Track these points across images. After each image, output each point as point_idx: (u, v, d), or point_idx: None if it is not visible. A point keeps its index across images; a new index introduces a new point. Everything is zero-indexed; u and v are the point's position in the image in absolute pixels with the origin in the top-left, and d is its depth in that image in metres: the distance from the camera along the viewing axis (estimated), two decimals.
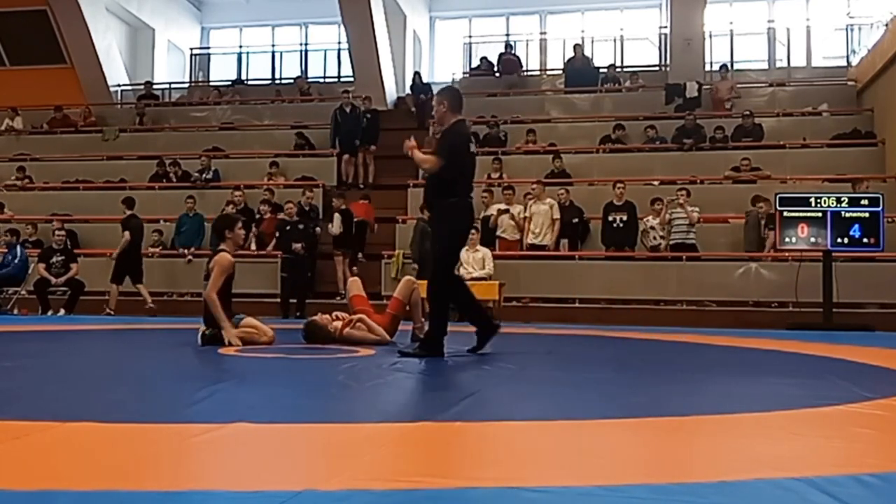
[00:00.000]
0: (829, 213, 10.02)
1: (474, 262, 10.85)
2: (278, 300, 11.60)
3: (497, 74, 17.94)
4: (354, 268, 11.98)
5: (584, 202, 12.29)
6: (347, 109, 14.70)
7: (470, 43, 20.36)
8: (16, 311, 11.63)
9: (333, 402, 3.52)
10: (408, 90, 17.25)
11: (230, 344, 5.80)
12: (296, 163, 15.13)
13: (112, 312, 11.30)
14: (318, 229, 12.14)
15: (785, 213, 10.20)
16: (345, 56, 19.28)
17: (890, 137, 12.97)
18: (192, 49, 21.71)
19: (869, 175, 12.15)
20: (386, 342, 6.21)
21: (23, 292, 11.95)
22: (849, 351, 6.23)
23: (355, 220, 12.37)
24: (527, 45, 19.88)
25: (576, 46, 17.54)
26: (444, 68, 20.12)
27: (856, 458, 2.43)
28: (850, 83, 15.52)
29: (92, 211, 13.97)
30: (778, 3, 19.09)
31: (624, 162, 13.87)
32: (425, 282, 5.67)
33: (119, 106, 18.64)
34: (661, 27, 19.01)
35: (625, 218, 11.50)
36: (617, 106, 15.86)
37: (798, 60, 18.08)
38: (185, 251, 12.52)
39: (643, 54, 19.18)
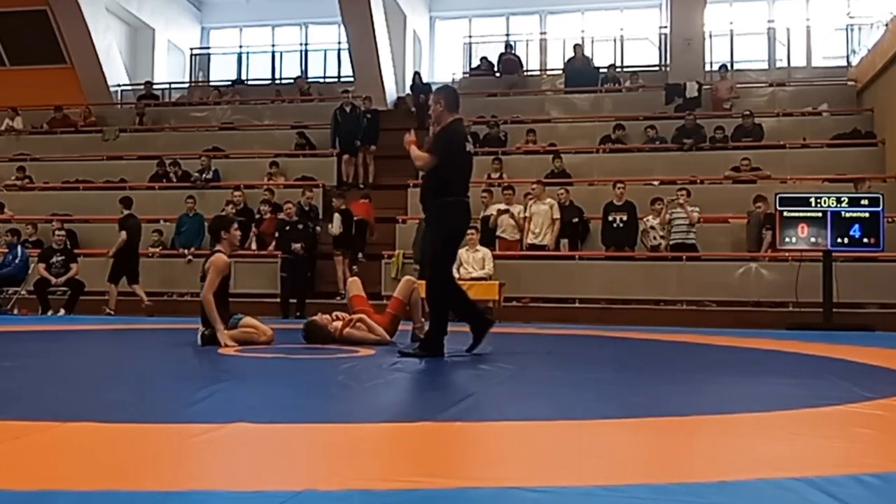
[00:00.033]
0: (829, 213, 10.02)
1: (474, 262, 10.85)
2: (278, 300, 11.60)
3: (497, 74, 17.94)
4: (355, 267, 11.98)
5: (584, 202, 12.29)
6: (347, 109, 14.70)
7: (470, 43, 20.36)
8: (16, 311, 11.63)
9: (333, 402, 3.52)
10: (408, 90, 17.25)
11: (225, 346, 5.81)
12: (296, 163, 15.13)
13: (112, 312, 11.30)
14: (318, 228, 12.14)
15: (785, 213, 10.20)
16: (345, 56, 19.29)
17: (890, 137, 12.97)
18: (192, 49, 21.71)
19: (869, 175, 12.14)
20: (386, 342, 6.21)
21: (23, 292, 11.95)
22: (849, 351, 6.23)
23: (355, 219, 12.37)
24: (527, 45, 19.88)
25: (576, 46, 17.54)
26: (444, 68, 20.12)
27: (856, 458, 2.43)
28: (850, 83, 15.52)
29: (92, 211, 13.97)
30: (778, 3, 19.09)
31: (624, 162, 13.87)
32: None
33: (119, 106, 18.64)
34: (661, 27, 19.01)
35: (625, 218, 11.50)
36: (617, 106, 15.86)
37: (798, 60, 18.09)
38: (185, 251, 12.53)
39: (643, 54, 19.18)
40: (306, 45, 21.58)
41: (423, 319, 6.34)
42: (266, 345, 6.09)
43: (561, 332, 8.52)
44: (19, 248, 12.14)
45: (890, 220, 10.79)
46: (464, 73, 19.15)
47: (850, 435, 2.82)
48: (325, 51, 21.26)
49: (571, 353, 6.40)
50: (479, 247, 11.00)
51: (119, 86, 18.93)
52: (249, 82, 20.34)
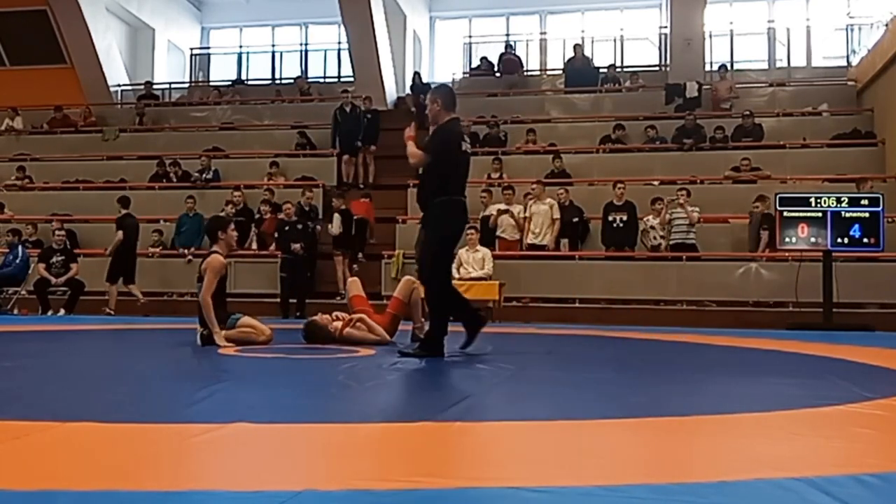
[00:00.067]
0: (829, 213, 10.02)
1: (474, 262, 10.86)
2: (278, 300, 11.60)
3: (498, 74, 17.94)
4: (355, 266, 11.99)
5: (584, 202, 12.30)
6: (347, 109, 14.71)
7: (470, 43, 20.36)
8: (16, 311, 11.63)
9: (333, 402, 3.52)
10: (408, 90, 17.25)
11: (223, 347, 5.81)
12: (296, 163, 15.13)
13: (112, 312, 11.30)
14: (318, 227, 12.15)
15: (785, 213, 10.19)
16: (345, 56, 19.29)
17: (890, 137, 12.97)
18: (192, 49, 21.71)
19: (869, 175, 12.14)
20: (386, 342, 6.21)
21: (23, 292, 11.96)
22: (849, 351, 6.23)
23: (355, 218, 12.35)
24: (527, 45, 19.88)
25: (576, 46, 17.54)
26: (444, 68, 20.12)
27: (856, 458, 2.43)
28: (850, 83, 15.52)
29: (92, 211, 13.97)
30: (778, 3, 19.09)
31: (624, 162, 13.87)
32: None
33: (119, 106, 18.64)
34: (661, 27, 19.01)
35: (625, 218, 11.50)
36: (617, 106, 15.86)
37: (798, 60, 18.09)
38: (185, 251, 12.53)
39: (643, 54, 19.18)
40: (306, 45, 21.58)
41: (423, 319, 6.34)
42: (264, 344, 6.09)
43: (561, 332, 8.52)
44: (20, 248, 12.14)
45: (890, 220, 10.79)
46: (464, 73, 19.15)
47: (850, 435, 2.82)
48: (325, 51, 21.26)
49: (571, 353, 6.40)
50: (479, 247, 11.01)
51: (119, 86, 18.93)
52: (249, 82, 20.34)
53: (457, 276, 10.55)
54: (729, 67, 16.82)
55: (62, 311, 11.31)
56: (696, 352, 6.51)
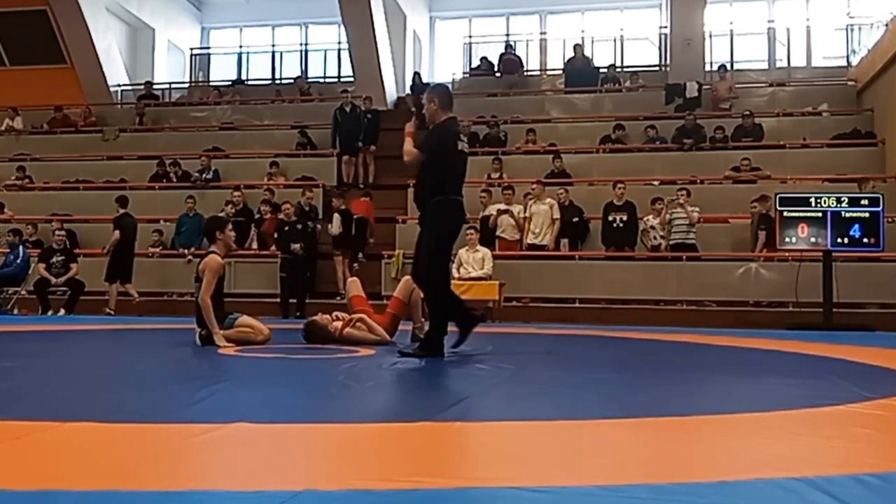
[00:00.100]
0: (829, 213, 10.02)
1: (474, 262, 10.86)
2: (278, 300, 11.60)
3: (498, 74, 17.94)
4: (355, 265, 11.99)
5: (584, 202, 12.30)
6: (347, 109, 14.71)
7: (470, 43, 20.36)
8: (16, 311, 11.64)
9: (333, 402, 3.52)
10: (408, 90, 17.25)
11: (223, 347, 5.81)
12: (296, 163, 15.13)
13: (112, 312, 11.30)
14: (318, 227, 12.15)
15: (785, 213, 10.19)
16: (345, 56, 19.29)
17: (890, 137, 12.98)
18: (192, 49, 21.71)
19: (869, 175, 12.14)
20: (386, 342, 6.20)
21: (23, 292, 11.96)
22: (849, 351, 6.23)
23: (355, 217, 12.34)
24: (527, 45, 19.87)
25: (576, 46, 17.54)
26: (444, 68, 20.11)
27: (856, 458, 2.43)
28: (850, 83, 15.52)
29: (92, 211, 13.97)
30: (778, 3, 19.09)
31: (624, 162, 13.87)
32: None
33: (119, 106, 18.64)
34: (661, 27, 19.01)
35: (625, 218, 11.50)
36: (617, 106, 15.86)
37: (798, 60, 18.09)
38: (185, 251, 12.53)
39: (643, 54, 19.18)
40: (306, 45, 21.57)
41: (423, 319, 6.34)
42: (263, 344, 6.10)
43: (561, 332, 8.51)
44: (21, 248, 12.15)
45: (890, 220, 10.79)
46: (464, 73, 19.15)
47: (850, 435, 2.82)
48: (325, 51, 21.26)
49: (571, 353, 6.40)
50: (479, 247, 11.01)
51: (119, 86, 18.93)
52: (249, 82, 20.34)
53: (457, 275, 10.56)
54: (728, 67, 16.82)
55: (62, 311, 11.31)
56: (696, 352, 6.51)
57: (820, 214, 10.05)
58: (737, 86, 15.81)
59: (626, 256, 11.58)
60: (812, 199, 10.19)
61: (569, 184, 12.78)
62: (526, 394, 3.91)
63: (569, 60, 17.56)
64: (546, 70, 19.21)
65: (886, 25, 13.55)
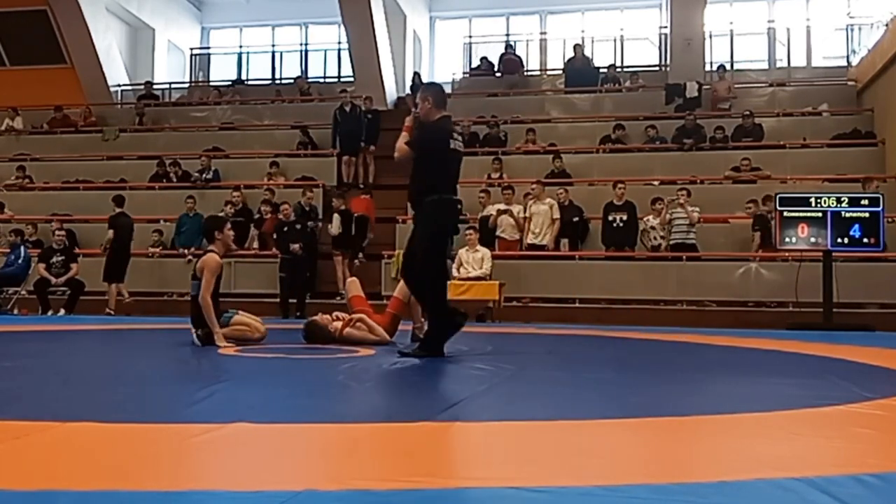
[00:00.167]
0: (829, 213, 10.02)
1: (474, 261, 10.86)
2: (278, 300, 11.60)
3: (498, 74, 17.94)
4: (356, 261, 11.98)
5: (584, 202, 12.29)
6: (347, 109, 14.71)
7: (470, 43, 20.34)
8: (16, 311, 11.64)
9: (333, 402, 3.52)
10: (408, 90, 17.24)
11: (223, 347, 5.81)
12: (296, 163, 15.14)
13: (112, 312, 11.31)
14: (318, 225, 12.14)
15: (785, 213, 10.19)
16: (345, 56, 19.28)
17: (890, 137, 12.97)
18: (192, 49, 21.70)
19: (869, 175, 12.14)
20: (386, 342, 6.20)
21: (23, 292, 11.96)
22: (849, 351, 6.23)
23: (355, 215, 12.32)
24: (527, 45, 19.86)
25: (576, 46, 17.53)
26: (444, 68, 20.10)
27: (856, 458, 2.43)
28: (850, 83, 15.52)
29: (92, 211, 13.96)
30: (778, 3, 19.09)
31: (624, 162, 13.87)
32: None
33: (119, 106, 18.64)
34: (661, 27, 19.00)
35: (625, 218, 11.50)
36: (617, 106, 15.86)
37: (798, 60, 18.08)
38: (185, 251, 12.53)
39: (643, 54, 19.17)
40: (306, 45, 21.57)
41: (422, 319, 6.33)
42: (259, 341, 6.11)
43: (561, 332, 8.52)
44: (22, 248, 12.15)
45: (890, 220, 10.79)
46: (464, 73, 19.14)
47: (850, 435, 2.82)
48: (325, 51, 21.25)
49: (571, 353, 6.40)
50: (478, 247, 11.01)
51: (119, 86, 18.93)
52: (249, 82, 20.33)
53: (456, 275, 10.56)
54: (727, 67, 16.81)
55: (62, 311, 11.31)
56: (696, 352, 6.51)
57: (820, 214, 10.04)
58: (737, 86, 15.81)
59: (626, 256, 11.58)
60: (812, 199, 10.19)
61: (569, 184, 12.78)
62: (526, 394, 3.91)
63: (569, 60, 17.56)
64: (546, 70, 19.20)
65: (886, 25, 13.55)
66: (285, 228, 11.76)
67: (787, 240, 10.20)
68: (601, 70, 17.21)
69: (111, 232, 11.57)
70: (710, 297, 11.19)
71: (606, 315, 10.87)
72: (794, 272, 10.29)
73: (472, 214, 12.16)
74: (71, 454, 2.32)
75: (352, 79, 17.60)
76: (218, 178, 14.52)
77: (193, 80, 21.30)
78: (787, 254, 10.64)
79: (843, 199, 10.13)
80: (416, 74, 17.26)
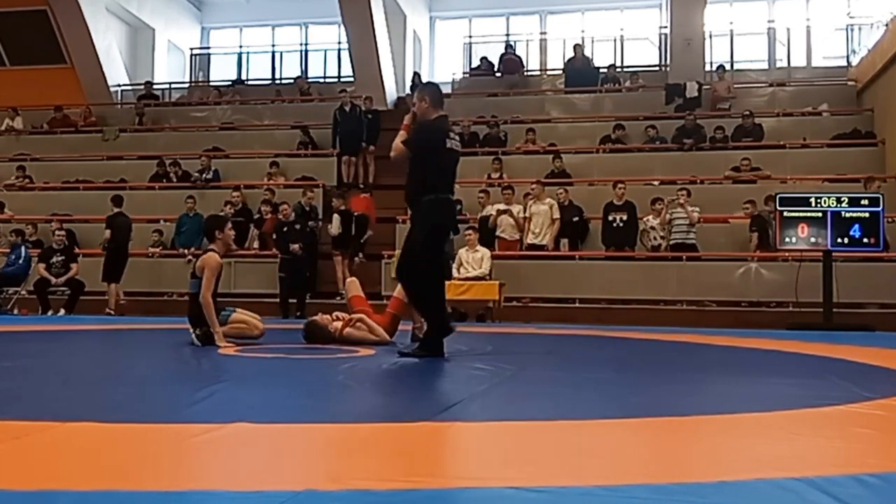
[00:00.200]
0: (829, 213, 10.02)
1: (473, 261, 10.86)
2: (278, 300, 11.60)
3: (498, 74, 17.94)
4: (356, 259, 11.97)
5: (584, 202, 12.30)
6: (347, 109, 14.70)
7: (470, 43, 20.35)
8: (16, 311, 11.64)
9: (333, 402, 3.52)
10: (408, 90, 17.25)
11: (223, 347, 5.82)
12: (296, 163, 15.14)
13: (112, 312, 11.31)
14: (318, 225, 12.13)
15: (785, 213, 10.19)
16: (345, 56, 19.28)
17: (890, 137, 12.98)
18: (192, 49, 21.70)
19: (869, 175, 12.14)
20: (386, 342, 6.20)
21: (23, 292, 11.96)
22: (849, 351, 6.23)
23: (355, 215, 12.30)
24: (527, 45, 19.86)
25: (576, 46, 17.54)
26: (444, 68, 20.10)
27: (856, 458, 2.43)
28: (850, 83, 15.52)
29: (92, 211, 13.95)
30: (778, 3, 19.09)
31: (624, 162, 13.87)
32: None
33: (119, 106, 18.64)
34: (661, 27, 19.00)
35: (625, 218, 11.50)
36: (617, 106, 15.86)
37: (798, 60, 18.08)
38: (185, 251, 12.52)
39: (643, 54, 19.17)
40: (306, 45, 21.57)
41: (423, 319, 6.32)
42: (258, 338, 6.13)
43: (561, 332, 8.51)
44: (23, 248, 12.16)
45: (890, 220, 10.79)
46: (464, 73, 19.14)
47: (850, 435, 2.82)
48: (325, 51, 21.25)
49: (571, 353, 6.40)
50: (478, 247, 11.01)
51: (119, 86, 18.93)
52: (249, 82, 20.33)
53: (456, 275, 10.56)
54: (727, 67, 16.80)
55: (62, 311, 11.32)
56: (696, 352, 6.51)
57: (820, 214, 10.04)
58: (737, 86, 15.81)
59: (626, 256, 11.58)
60: (812, 199, 10.19)
61: (569, 184, 12.78)
62: (526, 394, 3.91)
63: (569, 60, 17.56)
64: (546, 70, 19.20)
65: (886, 25, 13.55)
66: (285, 228, 11.76)
67: (788, 240, 10.20)
68: (601, 70, 17.21)
69: (108, 232, 11.57)
70: (710, 297, 11.19)
71: (606, 315, 10.87)
72: (794, 272, 10.29)
73: (471, 214, 12.16)
74: (71, 454, 2.32)
75: (352, 79, 17.59)
76: (218, 178, 14.52)
77: (193, 80, 21.30)
78: (786, 254, 10.64)
79: (843, 199, 10.13)
80: (416, 74, 17.26)
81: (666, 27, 17.98)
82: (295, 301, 11.54)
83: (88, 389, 3.84)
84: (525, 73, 18.32)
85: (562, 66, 17.95)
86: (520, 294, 11.43)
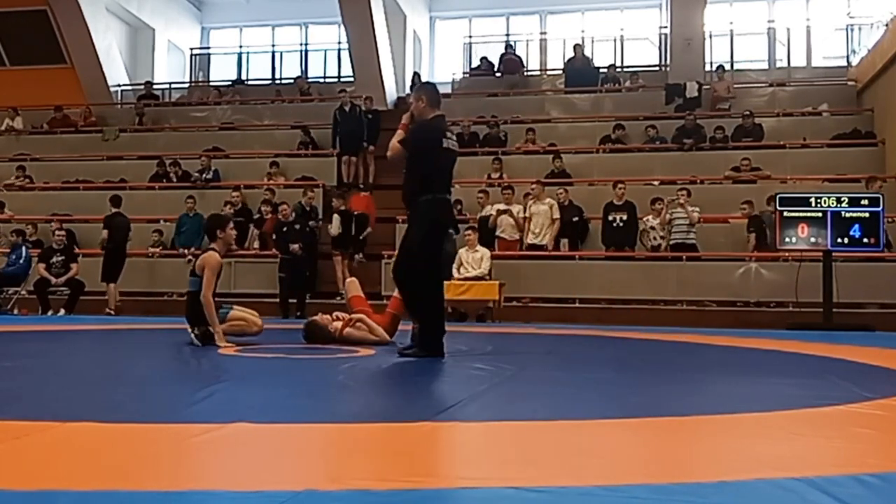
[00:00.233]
0: (829, 213, 10.02)
1: (473, 261, 10.86)
2: (278, 300, 11.60)
3: (498, 74, 17.94)
4: (356, 258, 11.97)
5: (584, 202, 12.30)
6: (347, 109, 14.70)
7: (470, 43, 20.35)
8: (16, 311, 11.64)
9: (333, 403, 3.52)
10: (408, 90, 17.24)
11: (223, 346, 5.82)
12: (296, 163, 15.14)
13: (112, 312, 11.31)
14: (318, 225, 12.13)
15: (785, 213, 10.19)
16: (345, 56, 19.28)
17: (890, 137, 12.97)
18: (192, 49, 21.71)
19: (871, 175, 12.13)
20: (386, 342, 6.20)
21: (23, 292, 11.96)
22: (849, 351, 6.23)
23: (355, 215, 12.30)
24: (527, 45, 19.87)
25: (576, 46, 17.54)
26: (444, 68, 20.11)
27: (856, 458, 2.43)
28: (850, 83, 15.52)
29: (92, 211, 13.94)
30: (778, 3, 19.09)
31: (624, 162, 13.87)
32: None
33: (119, 106, 18.64)
34: (661, 27, 19.00)
35: (625, 218, 11.50)
36: (617, 106, 15.86)
37: (798, 60, 18.08)
38: (185, 251, 12.52)
39: (643, 54, 19.18)
40: (306, 45, 21.58)
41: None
42: (257, 335, 6.15)
43: (561, 332, 8.52)
44: (23, 248, 12.16)
45: (890, 220, 10.79)
46: (464, 73, 19.14)
47: (850, 435, 2.82)
48: (325, 51, 21.25)
49: (571, 353, 6.40)
50: (478, 247, 11.01)
51: (119, 86, 18.93)
52: (249, 82, 20.34)
53: (456, 275, 10.56)
54: (727, 67, 16.80)
55: (62, 311, 11.32)
56: (696, 352, 6.51)
57: (820, 214, 10.04)
58: (737, 86, 15.81)
59: (626, 256, 11.58)
60: (812, 199, 10.19)
61: (569, 184, 12.78)
62: (526, 394, 3.91)
63: (569, 60, 17.56)
64: (546, 70, 19.20)
65: (886, 25, 13.55)
66: (285, 228, 11.76)
67: (788, 240, 10.20)
68: (601, 70, 17.22)
69: (105, 232, 11.58)
70: (709, 297, 11.19)
71: (606, 315, 10.87)
72: (795, 272, 10.29)
73: (471, 214, 12.17)
74: (71, 454, 2.32)
75: (352, 79, 17.59)
76: (218, 178, 14.52)
77: (193, 80, 21.30)
78: (786, 254, 10.64)
79: (843, 199, 10.13)
80: (416, 74, 17.26)
81: (666, 27, 17.98)
82: (295, 301, 11.54)
83: (88, 389, 3.84)
84: (525, 73, 18.32)
85: (562, 66, 17.95)
86: (520, 294, 11.43)
